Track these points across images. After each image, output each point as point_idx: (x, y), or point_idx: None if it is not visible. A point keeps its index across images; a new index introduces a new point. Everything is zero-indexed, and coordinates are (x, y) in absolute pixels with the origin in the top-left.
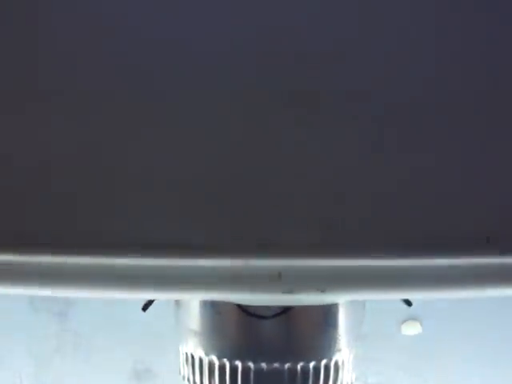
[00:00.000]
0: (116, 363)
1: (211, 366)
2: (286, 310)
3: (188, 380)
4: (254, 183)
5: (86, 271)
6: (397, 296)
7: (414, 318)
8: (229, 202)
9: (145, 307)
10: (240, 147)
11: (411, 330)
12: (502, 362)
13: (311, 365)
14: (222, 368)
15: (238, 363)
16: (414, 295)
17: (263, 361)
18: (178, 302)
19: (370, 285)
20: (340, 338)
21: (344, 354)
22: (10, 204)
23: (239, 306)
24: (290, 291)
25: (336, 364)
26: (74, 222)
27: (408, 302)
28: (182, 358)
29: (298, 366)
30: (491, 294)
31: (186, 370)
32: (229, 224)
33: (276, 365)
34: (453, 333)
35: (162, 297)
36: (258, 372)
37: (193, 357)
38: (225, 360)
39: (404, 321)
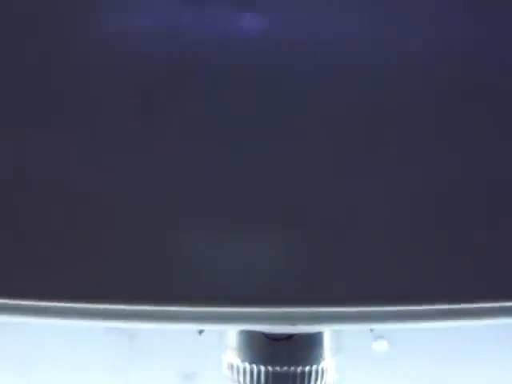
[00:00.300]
0: (170, 368)
1: (245, 369)
2: (291, 336)
3: (228, 378)
4: (259, 259)
5: (155, 315)
6: (362, 328)
7: (381, 337)
8: (249, 273)
9: (200, 332)
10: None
11: (380, 346)
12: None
13: (306, 368)
14: (251, 371)
15: (262, 367)
16: (375, 327)
17: (277, 366)
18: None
19: (343, 322)
20: (324, 351)
21: (328, 362)
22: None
23: (263, 333)
24: (294, 325)
25: (322, 369)
26: (145, 281)
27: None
28: (225, 364)
29: (298, 369)
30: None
31: (228, 372)
32: (252, 287)
33: (285, 368)
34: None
35: (212, 328)
36: (274, 373)
37: (232, 364)
38: (254, 365)
39: (375, 340)
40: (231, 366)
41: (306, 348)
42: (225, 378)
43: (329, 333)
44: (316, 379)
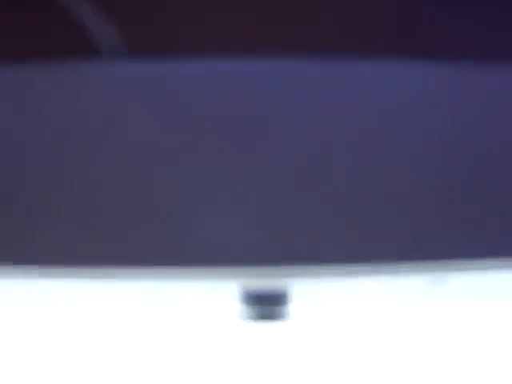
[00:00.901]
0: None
1: (247, 308)
2: (271, 290)
3: (239, 315)
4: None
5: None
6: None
7: None
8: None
9: None
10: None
11: None
12: None
13: (279, 307)
14: (249, 309)
15: (255, 307)
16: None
17: (263, 306)
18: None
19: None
20: (290, 297)
21: (293, 305)
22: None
23: (256, 289)
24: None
25: (288, 308)
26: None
27: None
28: (236, 307)
29: (275, 308)
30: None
31: (238, 311)
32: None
33: (267, 307)
34: None
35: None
36: (261, 310)
37: (240, 306)
38: (250, 306)
39: None
40: (241, 307)
41: (279, 296)
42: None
43: (294, 286)
44: (286, 314)
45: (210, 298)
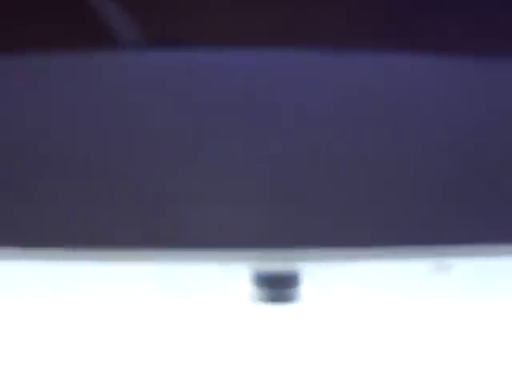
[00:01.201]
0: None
1: (257, 290)
2: (281, 272)
3: (250, 296)
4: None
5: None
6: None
7: None
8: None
9: None
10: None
11: None
12: None
13: (290, 289)
14: (260, 291)
15: (266, 289)
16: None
17: (277, 288)
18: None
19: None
20: (300, 280)
21: (302, 287)
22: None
23: (266, 271)
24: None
25: (299, 290)
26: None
27: None
28: (248, 288)
29: (285, 290)
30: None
31: (250, 292)
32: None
33: (278, 289)
34: None
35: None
36: (272, 292)
37: (252, 288)
38: (262, 287)
39: None
40: (251, 289)
41: (289, 278)
42: (248, 298)
43: (304, 269)
44: (296, 297)
45: (222, 280)
